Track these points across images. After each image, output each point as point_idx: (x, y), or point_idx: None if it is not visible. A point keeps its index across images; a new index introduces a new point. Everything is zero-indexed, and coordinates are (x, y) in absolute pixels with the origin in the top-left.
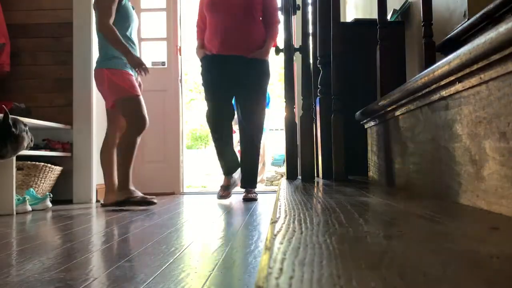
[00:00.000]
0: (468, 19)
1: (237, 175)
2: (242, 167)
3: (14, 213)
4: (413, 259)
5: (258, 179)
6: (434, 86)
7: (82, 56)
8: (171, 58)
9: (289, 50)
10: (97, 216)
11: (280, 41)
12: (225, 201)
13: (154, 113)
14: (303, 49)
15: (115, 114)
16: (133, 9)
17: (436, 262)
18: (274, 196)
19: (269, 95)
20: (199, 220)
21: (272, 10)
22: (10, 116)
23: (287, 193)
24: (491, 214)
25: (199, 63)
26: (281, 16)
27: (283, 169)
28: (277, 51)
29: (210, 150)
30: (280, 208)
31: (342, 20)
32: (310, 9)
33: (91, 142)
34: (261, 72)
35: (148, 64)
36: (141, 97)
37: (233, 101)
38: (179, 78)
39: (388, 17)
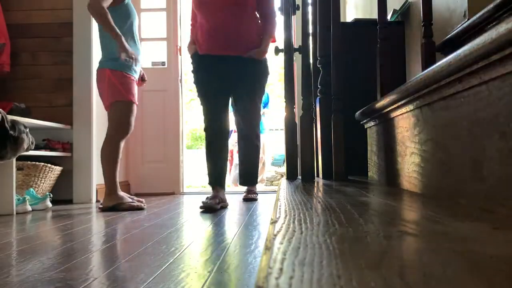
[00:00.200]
0: (468, 19)
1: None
2: (241, 167)
3: (14, 213)
4: (413, 259)
5: (258, 179)
6: (434, 86)
7: (82, 56)
8: (171, 58)
9: (289, 50)
10: (97, 216)
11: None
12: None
13: (154, 113)
14: (303, 49)
15: None
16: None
17: (436, 262)
18: (274, 196)
19: (268, 95)
20: (199, 220)
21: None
22: (10, 118)
23: (287, 193)
24: (491, 214)
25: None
26: (280, 16)
27: (283, 169)
28: (277, 51)
29: None
30: (280, 208)
31: (342, 20)
32: (310, 9)
33: (91, 142)
34: (260, 71)
35: (148, 64)
36: (135, 106)
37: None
38: (179, 78)
39: (388, 17)
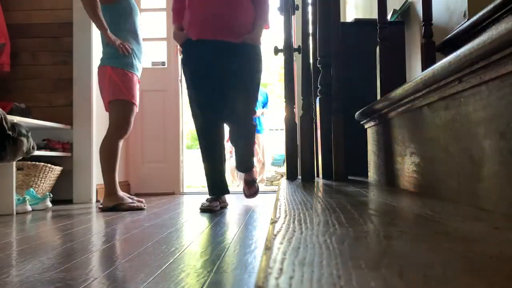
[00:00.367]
0: (468, 19)
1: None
2: (237, 157)
3: (14, 213)
4: (413, 259)
5: (258, 179)
6: (434, 86)
7: (82, 56)
8: (171, 58)
9: (289, 50)
10: (97, 216)
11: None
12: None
13: (154, 113)
14: (303, 49)
15: None
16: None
17: (436, 262)
18: (274, 196)
19: (268, 94)
20: (199, 220)
21: None
22: (12, 119)
23: (287, 193)
24: (491, 214)
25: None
26: (280, 16)
27: (283, 169)
28: (276, 51)
29: None
30: (280, 208)
31: (342, 20)
32: (310, 9)
33: (91, 142)
34: (253, 59)
35: (148, 64)
36: (135, 106)
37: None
38: (179, 78)
39: (388, 17)
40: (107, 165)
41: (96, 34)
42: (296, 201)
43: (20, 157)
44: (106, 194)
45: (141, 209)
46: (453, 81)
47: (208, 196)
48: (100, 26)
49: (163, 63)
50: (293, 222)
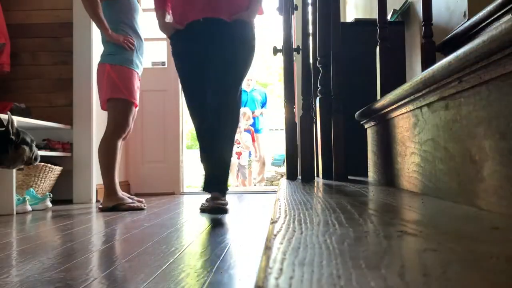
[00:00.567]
0: (468, 19)
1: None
2: (205, 165)
3: (14, 213)
4: (413, 259)
5: (258, 178)
6: (434, 86)
7: (82, 56)
8: (171, 58)
9: (289, 50)
10: (97, 216)
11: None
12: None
13: (154, 113)
14: (303, 49)
15: None
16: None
17: (436, 262)
18: (274, 196)
19: (266, 94)
20: (199, 220)
21: None
22: (16, 127)
23: (287, 193)
24: (491, 214)
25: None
26: (279, 16)
27: (283, 169)
28: (275, 51)
29: None
30: (280, 208)
31: (342, 20)
32: (310, 9)
33: (91, 142)
34: (243, 38)
35: (148, 64)
36: (133, 105)
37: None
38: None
39: (388, 17)
40: (106, 165)
41: (96, 34)
42: (296, 201)
43: (20, 166)
44: (105, 194)
45: (141, 209)
46: (453, 81)
47: (207, 196)
48: (101, 26)
49: (163, 63)
50: (293, 222)
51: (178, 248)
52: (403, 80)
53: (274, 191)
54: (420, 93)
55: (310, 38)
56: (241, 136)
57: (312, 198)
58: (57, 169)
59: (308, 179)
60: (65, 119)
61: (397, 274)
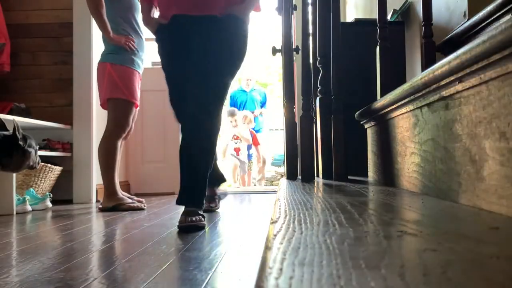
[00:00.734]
0: (468, 19)
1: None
2: (182, 175)
3: (14, 213)
4: (413, 259)
5: (258, 177)
6: (434, 86)
7: (82, 56)
8: None
9: (289, 50)
10: (97, 216)
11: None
12: (223, 200)
13: (154, 113)
14: (303, 49)
15: None
16: None
17: (436, 262)
18: (274, 196)
19: (266, 94)
20: None
21: None
22: (22, 132)
23: (287, 193)
24: (491, 214)
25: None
26: (278, 16)
27: (283, 169)
28: (274, 51)
29: None
30: (280, 208)
31: (342, 20)
32: (310, 9)
33: (91, 142)
34: (234, 34)
35: (148, 64)
36: (133, 105)
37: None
38: None
39: (388, 17)
40: (106, 165)
41: (96, 33)
42: (296, 201)
43: (24, 169)
44: (105, 194)
45: (141, 209)
46: (453, 81)
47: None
48: (103, 29)
49: None
50: (293, 222)
51: (178, 248)
52: (403, 80)
53: (274, 191)
54: (420, 93)
55: (310, 38)
56: (239, 131)
57: (312, 198)
58: (57, 169)
59: (308, 179)
60: (65, 119)
61: (397, 274)
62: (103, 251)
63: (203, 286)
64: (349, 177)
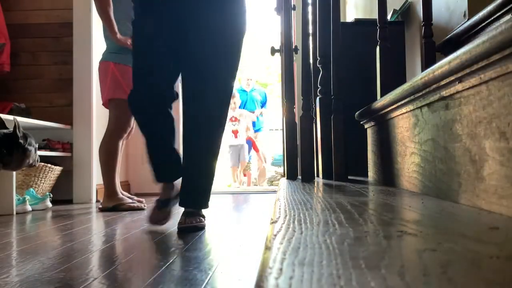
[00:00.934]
0: (468, 19)
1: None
2: (183, 175)
3: (14, 213)
4: (413, 259)
5: (257, 174)
6: (434, 86)
7: (82, 56)
8: None
9: (288, 50)
10: (97, 216)
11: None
12: (223, 200)
13: None
14: (303, 49)
15: None
16: None
17: (436, 262)
18: (274, 196)
19: (266, 93)
20: None
21: None
22: (22, 130)
23: (287, 193)
24: (491, 214)
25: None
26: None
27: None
28: (273, 51)
29: None
30: (280, 208)
31: (342, 20)
32: (310, 9)
33: (91, 142)
34: (231, 12)
35: None
36: None
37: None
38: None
39: (388, 17)
40: (106, 165)
41: (96, 33)
42: (296, 201)
43: (24, 167)
44: (105, 194)
45: (141, 209)
46: (453, 81)
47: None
48: (110, 29)
49: None
50: (293, 222)
51: (178, 248)
52: (403, 80)
53: (274, 191)
54: (420, 93)
55: (310, 38)
56: (241, 112)
57: (312, 198)
58: (57, 169)
59: (308, 179)
60: (65, 119)
61: (397, 274)
62: (103, 251)
63: (203, 286)
64: (349, 177)
